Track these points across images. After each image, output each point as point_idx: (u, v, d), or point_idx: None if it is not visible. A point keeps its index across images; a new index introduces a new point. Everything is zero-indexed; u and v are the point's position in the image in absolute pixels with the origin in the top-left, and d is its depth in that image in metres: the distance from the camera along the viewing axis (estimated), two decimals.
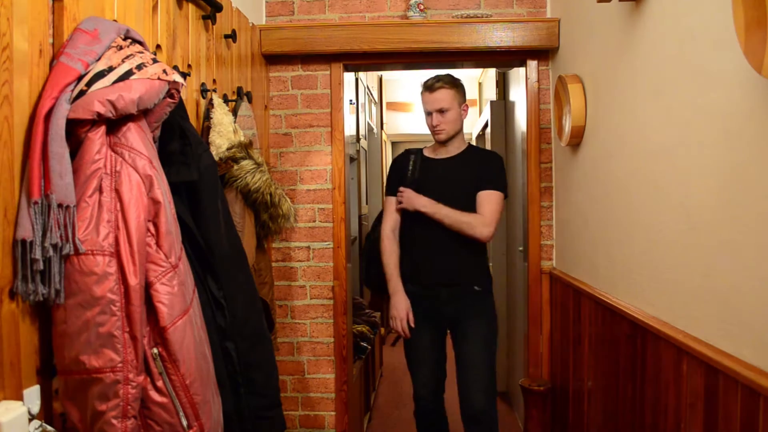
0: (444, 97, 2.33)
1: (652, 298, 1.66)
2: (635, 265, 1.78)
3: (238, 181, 1.81)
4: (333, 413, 2.81)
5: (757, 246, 1.17)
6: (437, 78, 2.36)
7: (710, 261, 1.35)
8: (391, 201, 2.46)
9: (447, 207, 2.29)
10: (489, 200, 2.31)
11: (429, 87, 2.36)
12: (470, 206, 2.32)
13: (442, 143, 2.42)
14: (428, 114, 2.39)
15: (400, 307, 2.35)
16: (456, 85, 2.37)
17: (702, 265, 1.38)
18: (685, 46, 1.45)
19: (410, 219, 2.40)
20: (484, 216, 2.29)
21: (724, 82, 1.27)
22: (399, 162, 2.51)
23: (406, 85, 5.51)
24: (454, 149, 2.43)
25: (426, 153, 2.48)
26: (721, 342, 1.30)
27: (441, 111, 2.34)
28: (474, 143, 5.39)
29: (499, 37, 2.63)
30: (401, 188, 2.39)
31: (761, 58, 1.03)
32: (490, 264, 2.85)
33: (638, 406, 1.73)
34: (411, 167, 2.45)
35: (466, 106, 2.41)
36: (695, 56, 1.41)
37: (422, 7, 2.70)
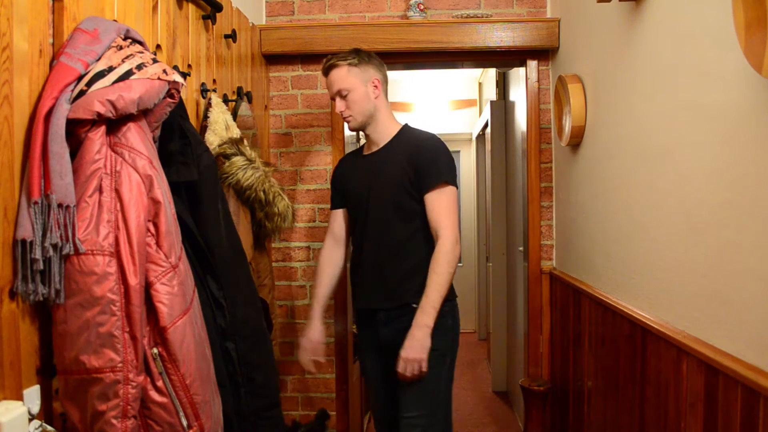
0: (339, 77, 1.93)
1: (652, 298, 1.66)
2: (635, 265, 1.78)
3: (230, 177, 1.78)
4: (333, 413, 2.81)
5: (757, 246, 1.17)
6: (330, 57, 1.98)
7: (710, 261, 1.35)
8: (334, 213, 2.13)
9: (427, 297, 1.79)
10: (439, 205, 1.85)
11: (323, 71, 1.99)
12: (401, 212, 1.90)
13: (363, 132, 2.03)
14: (333, 100, 2.01)
15: (306, 337, 2.06)
16: (354, 59, 1.94)
17: (702, 265, 1.38)
18: (685, 46, 1.45)
19: (352, 229, 2.07)
20: (444, 234, 1.82)
21: (724, 82, 1.27)
22: (335, 170, 2.18)
23: (406, 85, 5.51)
24: (382, 138, 1.99)
25: (364, 151, 2.09)
26: (721, 342, 1.30)
27: (341, 95, 1.94)
28: (473, 140, 5.39)
29: (499, 37, 2.63)
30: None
31: (761, 58, 1.03)
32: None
33: (638, 406, 1.73)
34: (335, 178, 2.13)
35: (377, 79, 1.96)
36: (695, 56, 1.41)
37: (422, 7, 2.70)
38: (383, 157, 1.98)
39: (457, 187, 1.92)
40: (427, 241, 1.90)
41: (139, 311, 1.09)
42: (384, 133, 1.99)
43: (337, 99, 1.96)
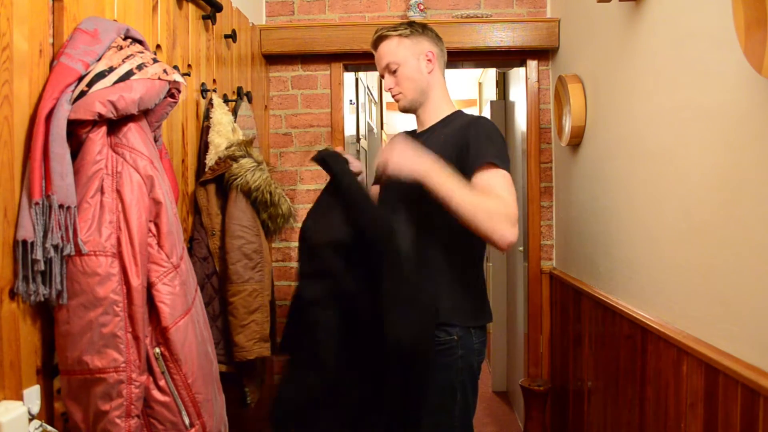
0: (388, 50, 1.67)
1: (652, 298, 1.67)
2: (635, 265, 1.78)
3: (239, 179, 1.79)
4: None
5: (757, 246, 1.17)
6: (380, 28, 1.70)
7: (710, 261, 1.35)
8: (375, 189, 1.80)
9: (458, 178, 1.42)
10: (497, 182, 1.46)
11: (372, 45, 1.72)
12: (435, 205, 1.45)
13: (412, 113, 1.73)
14: (381, 78, 1.74)
15: None
16: (406, 30, 1.67)
17: (702, 265, 1.38)
18: (685, 46, 1.46)
19: None
20: (506, 206, 1.42)
21: (724, 82, 1.27)
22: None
23: None
24: (429, 119, 1.69)
25: (417, 130, 1.76)
26: (721, 342, 1.30)
27: (390, 70, 1.68)
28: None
29: (499, 37, 2.63)
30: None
31: (761, 58, 1.04)
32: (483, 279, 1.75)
33: (638, 406, 1.73)
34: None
35: (431, 52, 1.67)
36: (695, 56, 1.41)
37: (422, 7, 2.70)
38: (426, 140, 1.62)
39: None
40: (446, 252, 1.58)
41: (141, 311, 1.10)
42: (434, 114, 1.68)
43: (386, 75, 1.70)
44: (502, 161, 1.50)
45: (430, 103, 1.69)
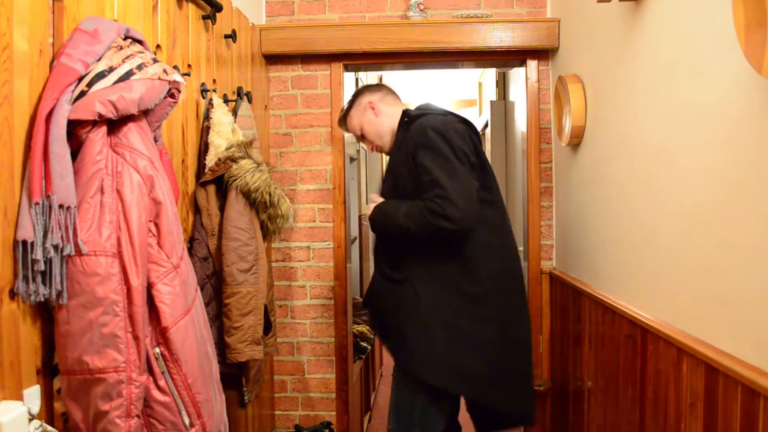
0: (350, 127, 2.15)
1: (652, 298, 1.67)
2: (635, 265, 1.78)
3: (238, 180, 1.79)
4: (333, 413, 2.81)
5: (757, 246, 1.17)
6: (338, 120, 2.21)
7: (710, 261, 1.35)
8: None
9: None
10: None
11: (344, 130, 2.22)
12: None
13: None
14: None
15: None
16: (348, 105, 2.14)
17: (702, 265, 1.38)
18: (685, 46, 1.46)
19: None
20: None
21: (724, 82, 1.27)
22: None
23: (406, 85, 5.52)
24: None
25: None
26: (721, 342, 1.30)
27: (359, 138, 2.15)
28: None
29: (499, 37, 2.63)
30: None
31: (761, 58, 1.04)
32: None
33: (638, 406, 1.73)
34: None
35: (370, 102, 2.09)
36: (695, 56, 1.41)
37: (422, 7, 2.70)
38: (388, 163, 2.11)
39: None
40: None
41: (141, 312, 1.10)
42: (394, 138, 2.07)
43: (362, 143, 2.15)
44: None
45: (391, 134, 2.06)
